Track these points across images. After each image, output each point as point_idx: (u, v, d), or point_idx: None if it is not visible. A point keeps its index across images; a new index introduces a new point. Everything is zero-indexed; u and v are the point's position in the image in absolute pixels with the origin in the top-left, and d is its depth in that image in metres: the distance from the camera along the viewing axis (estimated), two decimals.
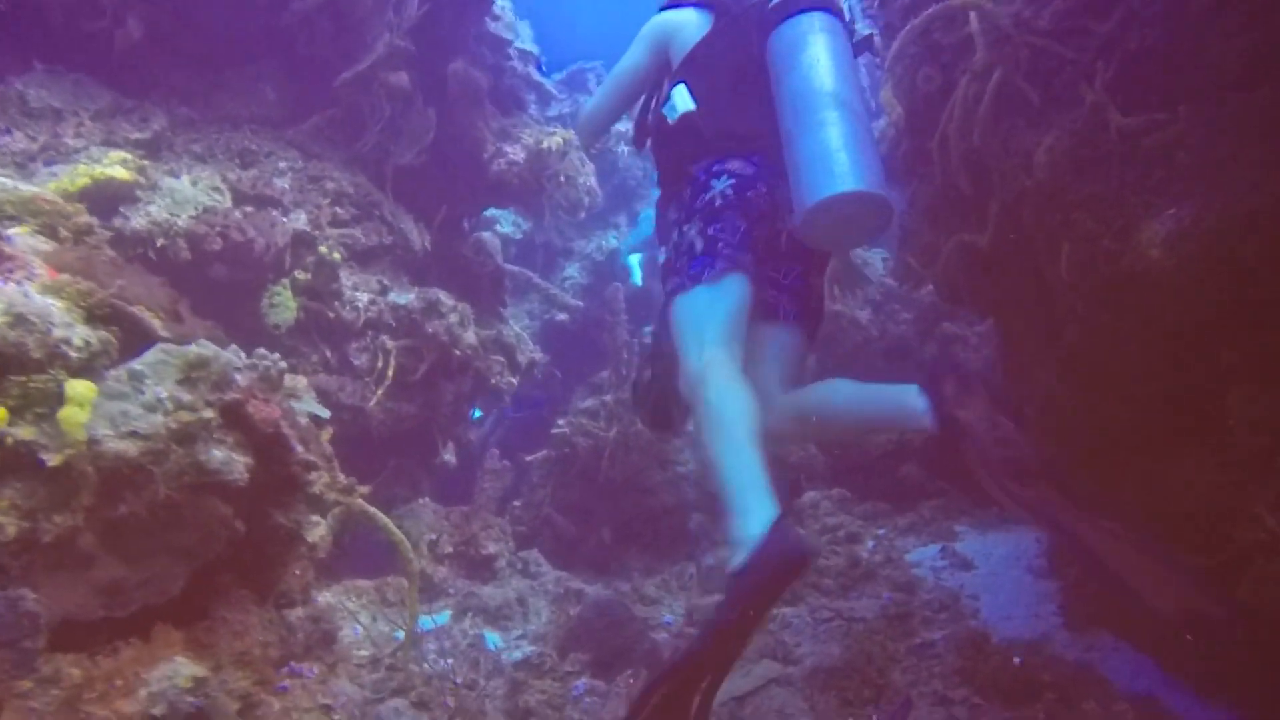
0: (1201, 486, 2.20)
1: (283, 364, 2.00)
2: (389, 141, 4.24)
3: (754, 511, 1.97)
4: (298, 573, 2.36)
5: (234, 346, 1.97)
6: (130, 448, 1.54)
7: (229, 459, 1.66)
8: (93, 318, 1.66)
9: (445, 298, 4.28)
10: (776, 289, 2.58)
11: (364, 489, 2.26)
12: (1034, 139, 2.28)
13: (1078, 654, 3.10)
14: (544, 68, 5.53)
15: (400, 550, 2.49)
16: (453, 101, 4.41)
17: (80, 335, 1.59)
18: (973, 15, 2.30)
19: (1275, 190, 1.89)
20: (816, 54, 2.34)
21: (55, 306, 1.61)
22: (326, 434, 2.31)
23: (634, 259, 7.11)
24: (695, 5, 2.79)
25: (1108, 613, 3.16)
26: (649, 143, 2.85)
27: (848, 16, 2.60)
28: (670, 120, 2.57)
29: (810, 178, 2.25)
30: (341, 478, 2.19)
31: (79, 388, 1.53)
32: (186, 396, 1.62)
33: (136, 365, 1.63)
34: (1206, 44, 1.96)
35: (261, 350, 2.03)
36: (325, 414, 2.27)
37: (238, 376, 1.74)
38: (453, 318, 4.15)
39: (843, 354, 5.61)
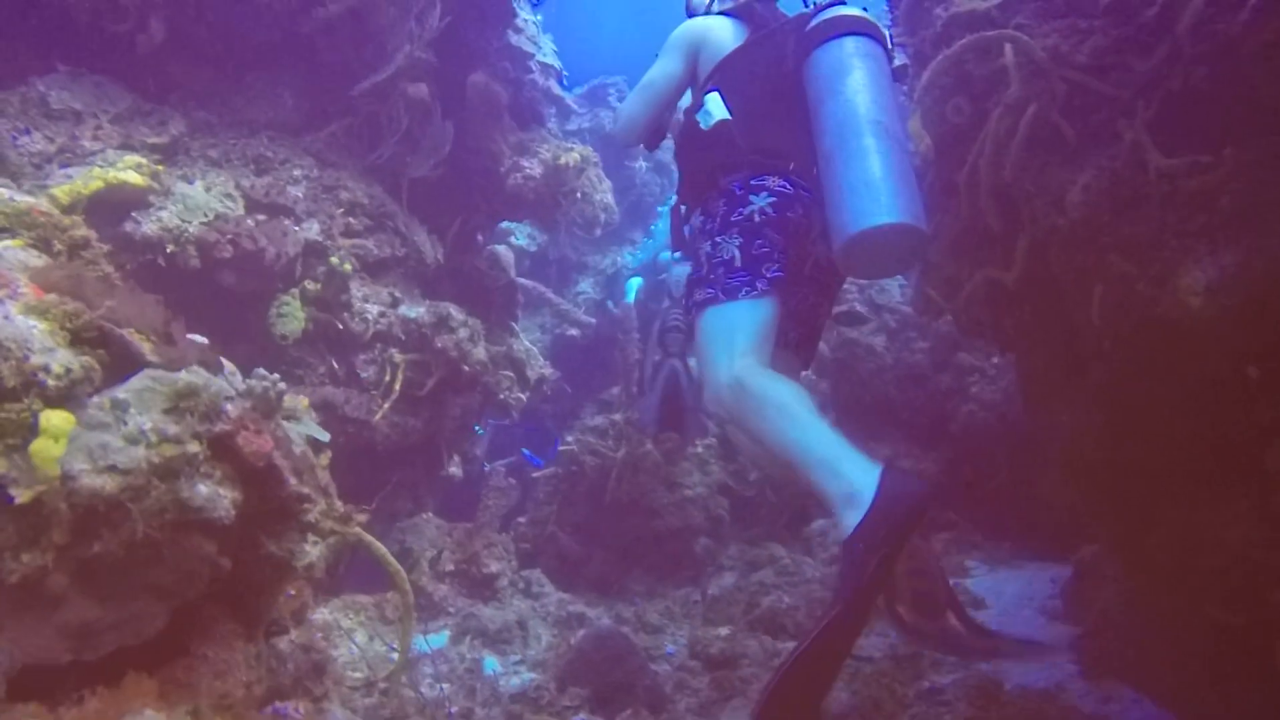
0: (1236, 542, 2.10)
1: (281, 385, 1.93)
2: (406, 152, 4.20)
3: (854, 469, 1.94)
4: (293, 593, 2.29)
5: (228, 370, 1.91)
6: (108, 483, 1.46)
7: (214, 495, 1.58)
8: (78, 340, 1.59)
9: (456, 312, 4.23)
10: (788, 313, 2.52)
11: (362, 517, 2.19)
12: (1068, 177, 2.20)
13: (1094, 705, 3.00)
14: (565, 82, 5.49)
15: (396, 581, 2.41)
16: (471, 114, 4.37)
17: (60, 361, 1.52)
18: (1008, 47, 2.23)
19: None
20: (861, 79, 2.29)
21: (37, 329, 1.54)
22: (325, 458, 2.24)
23: (633, 284, 6.98)
24: (727, 14, 2.74)
25: (1126, 663, 3.06)
26: (674, 148, 2.79)
27: (889, 43, 2.55)
28: (704, 127, 2.51)
29: (853, 206, 2.21)
30: (339, 505, 2.12)
31: (55, 419, 1.46)
32: (172, 428, 1.55)
33: (121, 393, 1.56)
34: (1256, 85, 1.88)
35: (261, 370, 1.96)
36: (325, 437, 2.20)
37: (229, 406, 1.66)
38: (462, 333, 4.09)
39: (856, 380, 5.53)
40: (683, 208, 2.74)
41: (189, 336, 2.12)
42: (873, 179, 2.20)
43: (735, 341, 2.25)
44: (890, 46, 2.49)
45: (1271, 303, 1.86)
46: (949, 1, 2.43)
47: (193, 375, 1.67)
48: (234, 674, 1.66)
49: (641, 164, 8.17)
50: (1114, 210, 2.13)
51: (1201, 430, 2.15)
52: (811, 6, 2.59)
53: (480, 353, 4.20)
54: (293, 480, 1.77)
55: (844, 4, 2.54)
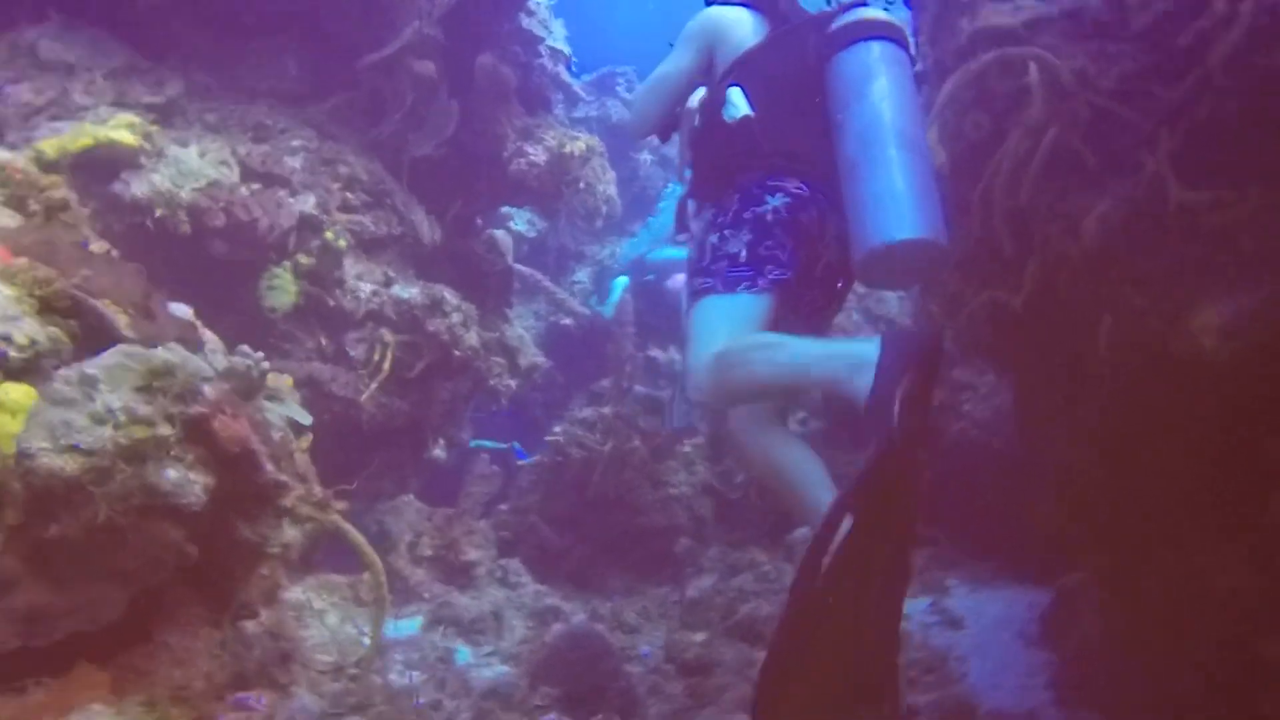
0: (1229, 590, 2.07)
1: (265, 365, 1.86)
2: (409, 130, 4.12)
3: (854, 345, 2.00)
4: (265, 573, 2.22)
5: (209, 348, 1.83)
6: (68, 464, 1.39)
7: (185, 480, 1.51)
8: (48, 310, 1.51)
9: (450, 295, 4.15)
10: (795, 313, 2.50)
11: (340, 504, 2.12)
12: (1086, 203, 2.15)
13: None
14: (574, 68, 5.41)
15: (371, 570, 2.35)
16: (478, 95, 4.29)
17: (25, 331, 1.44)
18: (1032, 66, 2.17)
19: None
20: (886, 86, 2.26)
21: (2, 296, 1.46)
22: (306, 441, 2.17)
23: (619, 283, 6.83)
24: (748, 5, 2.68)
25: (1103, 696, 3.04)
26: (688, 140, 2.73)
27: (912, 49, 2.50)
28: (727, 120, 2.46)
29: (876, 217, 2.20)
30: (317, 490, 2.06)
31: (14, 393, 1.38)
32: (143, 409, 1.47)
33: (90, 369, 1.47)
34: None
35: (245, 348, 1.89)
36: (307, 420, 2.13)
37: (206, 388, 1.59)
38: (455, 317, 4.02)
39: None
40: (691, 202, 2.69)
41: (173, 306, 2.05)
42: (897, 191, 2.16)
43: (723, 331, 2.25)
44: (913, 52, 2.44)
45: None
46: (975, 14, 2.37)
47: (170, 353, 1.59)
48: (195, 662, 1.60)
49: (646, 156, 8.08)
50: (1131, 241, 2.08)
51: (1203, 473, 2.11)
52: (835, 4, 2.52)
53: (472, 338, 4.13)
54: (270, 466, 1.71)
55: (867, 5, 2.49)
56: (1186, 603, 2.21)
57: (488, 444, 5.85)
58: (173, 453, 1.51)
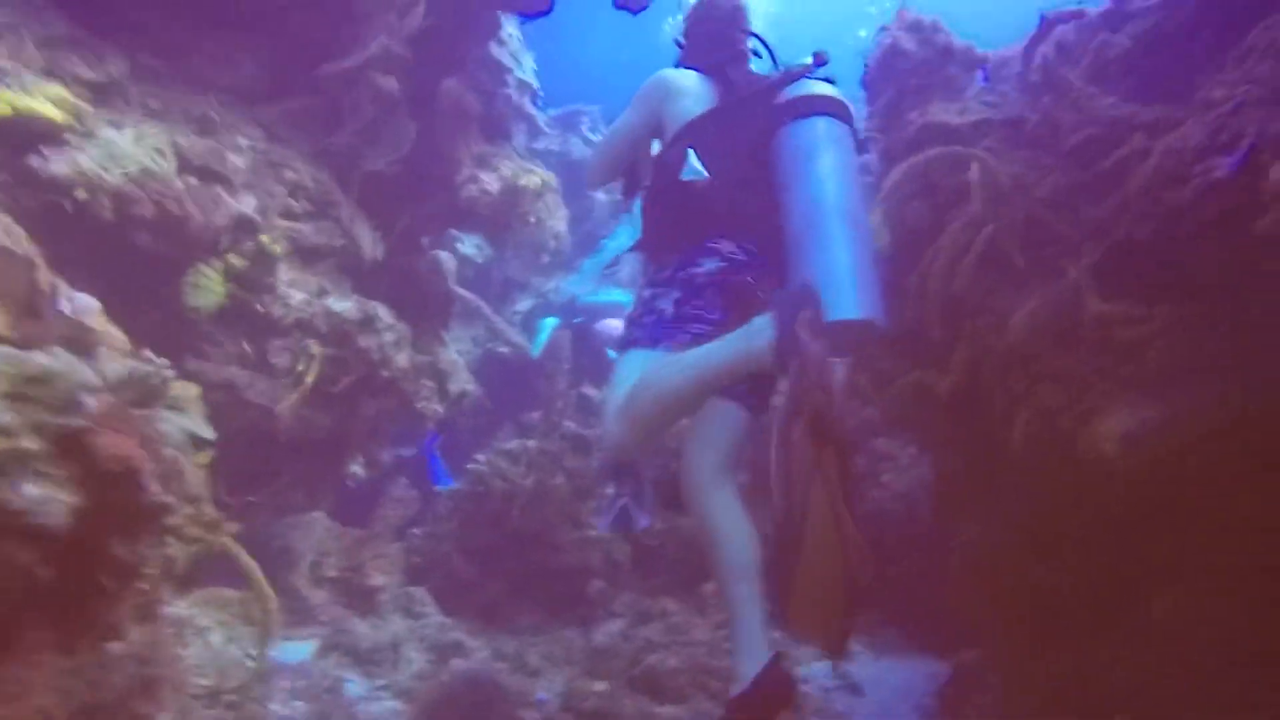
0: (1118, 685, 2.13)
1: (168, 373, 1.76)
2: (364, 144, 4.05)
3: (747, 327, 2.16)
4: (144, 588, 2.07)
5: (106, 353, 1.71)
6: None
7: (46, 498, 1.38)
8: None
9: (385, 313, 4.06)
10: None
11: (232, 526, 2.01)
12: (1013, 302, 2.23)
13: None
14: (540, 101, 5.42)
15: (260, 597, 2.23)
16: (439, 118, 4.26)
17: None
18: (975, 166, 2.26)
19: (1233, 412, 1.86)
20: (830, 164, 2.33)
21: None
22: (205, 456, 2.06)
23: (547, 323, 6.80)
24: (702, 72, 2.73)
25: None
26: (643, 199, 2.77)
27: (856, 122, 2.58)
28: (679, 185, 2.52)
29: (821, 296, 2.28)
30: (209, 511, 1.94)
31: None
32: (6, 418, 1.36)
33: None
34: (1191, 254, 1.93)
35: (149, 354, 1.79)
36: (209, 434, 2.03)
37: (88, 399, 1.47)
38: (388, 336, 3.92)
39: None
40: (638, 255, 2.75)
41: (78, 299, 1.92)
42: (836, 271, 2.24)
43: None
44: (856, 126, 2.52)
45: (1181, 462, 1.90)
46: (925, 110, 2.46)
47: (50, 358, 1.47)
48: (30, 697, 1.45)
49: (601, 195, 8.13)
50: (1051, 343, 2.16)
51: (1101, 569, 2.18)
52: (781, 72, 2.59)
53: (403, 359, 4.04)
54: (154, 486, 1.60)
55: (814, 76, 2.56)
56: (1077, 694, 2.26)
57: (436, 463, 5.70)
58: (37, 468, 1.39)
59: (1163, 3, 2.38)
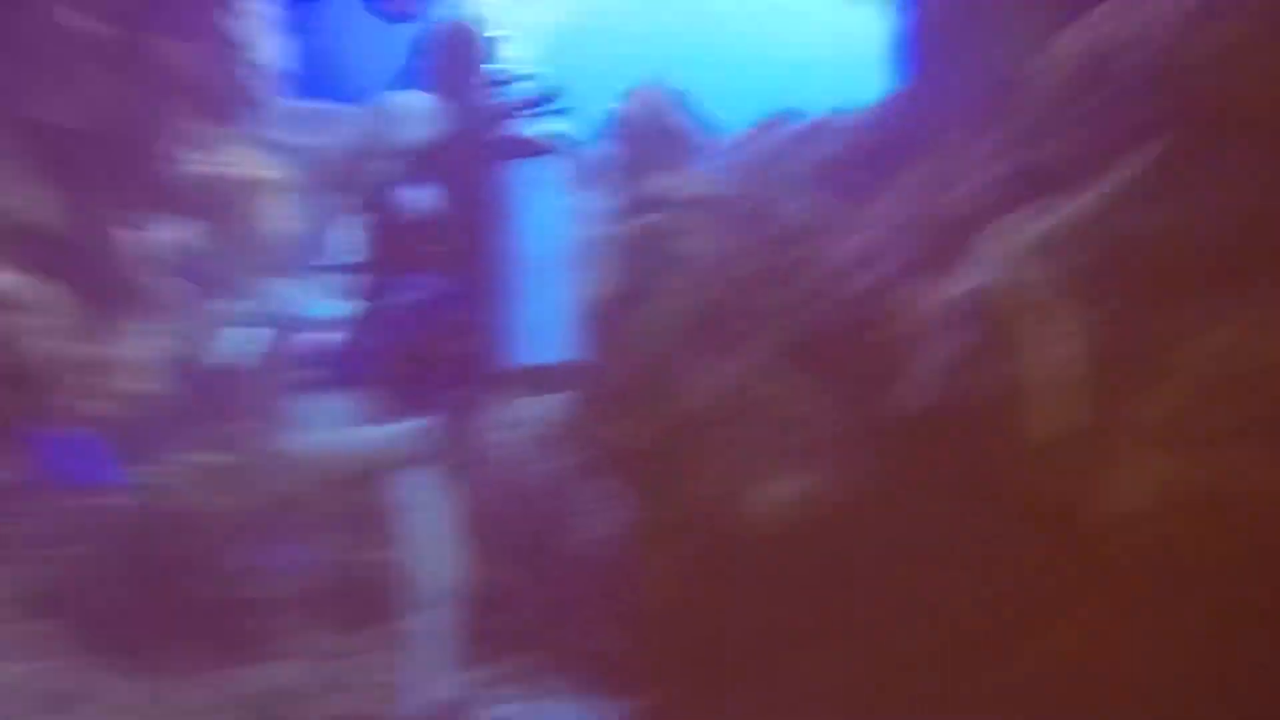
0: None
1: None
2: (52, 94, 3.50)
3: None
4: None
5: None
6: None
7: None
8: None
9: (32, 291, 3.47)
10: (422, 398, 2.52)
11: None
12: (703, 371, 2.44)
13: None
14: (286, 90, 5.08)
15: None
16: (155, 84, 3.81)
17: None
18: (686, 238, 2.46)
19: (868, 484, 2.15)
20: (538, 211, 2.40)
21: None
22: None
23: (242, 333, 6.27)
24: (430, 92, 2.76)
25: None
26: (370, 223, 2.70)
27: (580, 165, 2.70)
28: (395, 212, 2.46)
29: (519, 339, 2.43)
30: None
31: None
32: None
33: None
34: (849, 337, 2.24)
35: None
36: None
37: None
38: (36, 320, 3.36)
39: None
40: (357, 275, 2.66)
41: None
42: (540, 318, 2.32)
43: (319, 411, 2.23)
44: (574, 167, 2.64)
45: (825, 526, 2.15)
46: (653, 177, 2.65)
47: None
48: None
49: (339, 205, 7.73)
50: (727, 416, 2.39)
51: (764, 623, 2.40)
52: (508, 106, 2.67)
53: (59, 348, 3.47)
54: None
55: (545, 111, 2.66)
56: None
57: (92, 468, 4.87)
58: None
59: (863, 124, 2.77)
